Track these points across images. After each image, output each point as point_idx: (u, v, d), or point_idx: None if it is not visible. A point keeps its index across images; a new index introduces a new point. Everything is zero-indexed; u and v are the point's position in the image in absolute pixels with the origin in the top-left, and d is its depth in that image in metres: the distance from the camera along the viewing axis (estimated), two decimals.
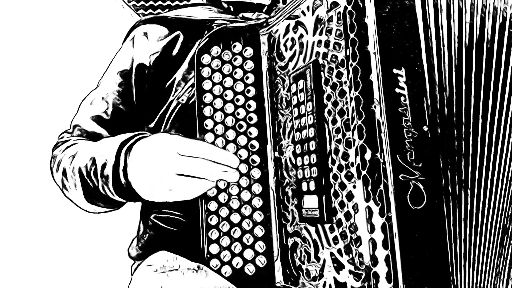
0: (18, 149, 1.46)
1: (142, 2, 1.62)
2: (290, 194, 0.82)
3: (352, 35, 0.71)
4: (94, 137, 1.00)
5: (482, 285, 0.72)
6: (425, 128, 0.71)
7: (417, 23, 0.73)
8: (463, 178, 0.75)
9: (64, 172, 0.93)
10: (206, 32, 0.96)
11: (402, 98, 0.71)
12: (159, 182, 0.79)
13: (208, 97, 0.86)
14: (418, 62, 0.73)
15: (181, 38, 0.99)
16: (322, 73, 0.75)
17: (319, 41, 0.76)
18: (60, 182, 0.96)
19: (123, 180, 0.82)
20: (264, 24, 0.87)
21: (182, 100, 0.95)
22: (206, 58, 0.87)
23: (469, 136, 0.76)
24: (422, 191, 0.70)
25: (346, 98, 0.71)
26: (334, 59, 0.73)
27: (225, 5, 1.04)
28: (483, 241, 0.74)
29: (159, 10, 1.60)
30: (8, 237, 1.42)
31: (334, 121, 0.73)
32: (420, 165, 0.70)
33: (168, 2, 1.62)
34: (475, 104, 0.77)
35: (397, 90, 0.71)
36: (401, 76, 0.71)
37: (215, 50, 0.87)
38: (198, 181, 0.79)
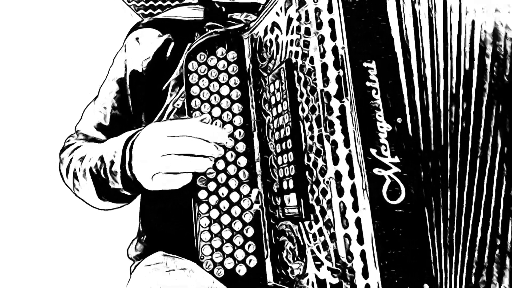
0: (19, 150, 1.51)
1: (142, 2, 1.64)
2: (276, 193, 0.83)
3: (320, 32, 0.71)
4: (96, 142, 1.04)
5: (466, 279, 0.70)
6: (399, 120, 0.70)
7: (387, 15, 0.72)
8: (448, 171, 0.73)
9: (75, 174, 0.98)
10: (197, 34, 0.98)
11: (374, 91, 0.70)
12: (154, 169, 0.81)
13: (196, 102, 0.88)
14: (389, 54, 0.72)
15: (173, 42, 1.01)
16: (295, 72, 0.75)
17: (291, 40, 0.76)
18: (71, 184, 1.01)
19: (129, 173, 0.86)
20: (246, 28, 0.89)
21: (178, 104, 0.97)
22: (193, 65, 0.89)
23: (453, 127, 0.74)
24: (399, 185, 0.69)
25: (317, 94, 0.71)
26: (304, 57, 0.74)
27: (217, 6, 1.05)
28: (468, 234, 0.71)
29: (159, 10, 1.61)
30: (9, 236, 1.47)
31: (307, 119, 0.73)
32: (396, 159, 0.69)
33: (168, 2, 1.64)
34: (464, 93, 0.75)
35: (368, 83, 0.70)
36: (372, 69, 0.70)
37: (201, 56, 0.89)
38: (188, 159, 0.81)
